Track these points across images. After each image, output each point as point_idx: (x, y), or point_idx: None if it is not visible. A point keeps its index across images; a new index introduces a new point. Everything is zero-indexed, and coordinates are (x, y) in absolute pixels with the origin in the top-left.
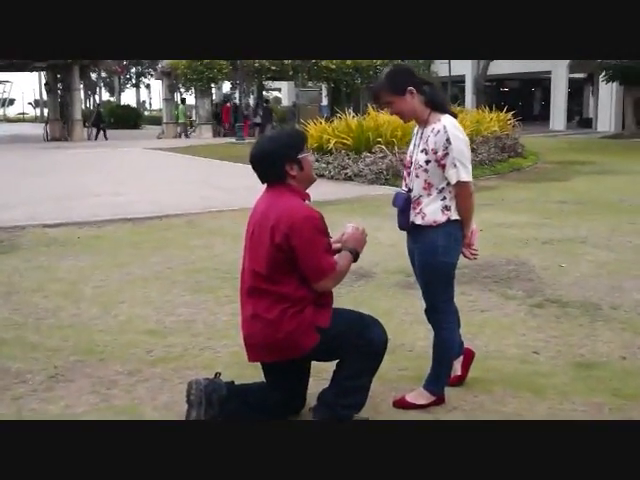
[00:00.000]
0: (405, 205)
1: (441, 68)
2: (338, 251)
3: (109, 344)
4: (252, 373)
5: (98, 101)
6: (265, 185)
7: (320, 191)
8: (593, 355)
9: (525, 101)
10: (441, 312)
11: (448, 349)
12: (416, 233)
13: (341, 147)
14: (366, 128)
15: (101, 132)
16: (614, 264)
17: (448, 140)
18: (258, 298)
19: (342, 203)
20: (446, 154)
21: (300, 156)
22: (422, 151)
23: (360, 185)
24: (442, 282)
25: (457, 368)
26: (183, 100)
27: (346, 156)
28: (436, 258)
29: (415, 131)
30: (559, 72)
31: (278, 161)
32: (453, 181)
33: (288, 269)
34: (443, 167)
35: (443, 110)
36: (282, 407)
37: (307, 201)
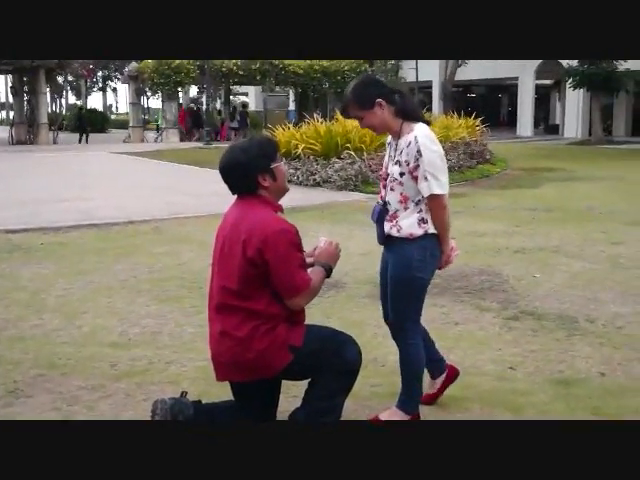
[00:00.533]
0: (380, 218)
1: (409, 74)
2: (310, 266)
3: (72, 357)
4: (219, 390)
5: (80, 104)
6: (235, 195)
7: (288, 197)
8: (572, 371)
9: (492, 107)
10: (407, 329)
11: (416, 365)
12: (391, 244)
13: (309, 152)
14: (335, 133)
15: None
16: (588, 274)
17: (419, 152)
18: (227, 315)
19: (311, 210)
20: (417, 166)
21: (273, 166)
22: (396, 163)
23: (329, 191)
24: (412, 298)
25: (437, 384)
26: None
27: (314, 162)
28: (410, 273)
29: (388, 141)
30: (526, 78)
31: (250, 172)
32: (425, 194)
33: (260, 284)
34: (416, 179)
35: (415, 119)
36: None
37: (280, 213)
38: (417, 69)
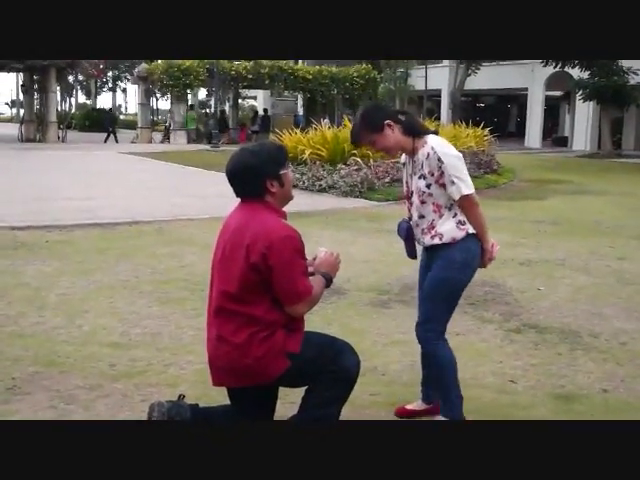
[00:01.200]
0: (408, 234)
1: (418, 82)
2: (310, 275)
3: (71, 355)
4: (217, 393)
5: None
6: (239, 199)
7: (293, 202)
8: (573, 386)
9: (501, 117)
10: (433, 330)
11: (449, 367)
12: (434, 251)
13: (316, 158)
14: (342, 139)
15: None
16: (593, 289)
17: (439, 160)
18: (225, 319)
19: (316, 215)
20: (442, 173)
21: (281, 172)
22: (420, 177)
23: (334, 197)
24: (448, 299)
25: (419, 406)
26: (192, 106)
27: (321, 167)
28: (451, 273)
29: (403, 160)
30: (535, 89)
31: (259, 176)
32: (456, 197)
33: (260, 290)
34: (444, 186)
35: (425, 132)
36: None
37: (284, 219)
38: (426, 77)
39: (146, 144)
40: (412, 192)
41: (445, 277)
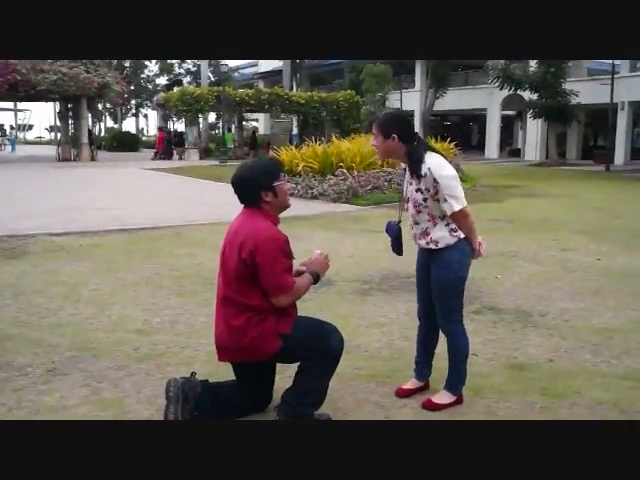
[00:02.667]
0: (398, 234)
1: (394, 104)
2: (301, 273)
3: (101, 341)
4: (225, 370)
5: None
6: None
7: (289, 208)
8: (525, 357)
9: (464, 133)
10: (455, 321)
11: (463, 350)
12: (431, 253)
13: (308, 170)
14: (330, 154)
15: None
16: (541, 276)
17: (435, 180)
18: (227, 306)
19: (309, 219)
20: (437, 191)
21: (275, 184)
22: (417, 191)
23: (324, 203)
24: (457, 294)
25: (414, 384)
26: (230, 129)
27: (312, 178)
28: (452, 273)
29: (404, 166)
30: (493, 109)
31: (254, 188)
32: (449, 213)
33: (252, 283)
34: (438, 201)
35: (423, 156)
36: (251, 402)
37: (275, 224)
38: (401, 100)
39: (164, 161)
40: (408, 199)
41: (449, 277)
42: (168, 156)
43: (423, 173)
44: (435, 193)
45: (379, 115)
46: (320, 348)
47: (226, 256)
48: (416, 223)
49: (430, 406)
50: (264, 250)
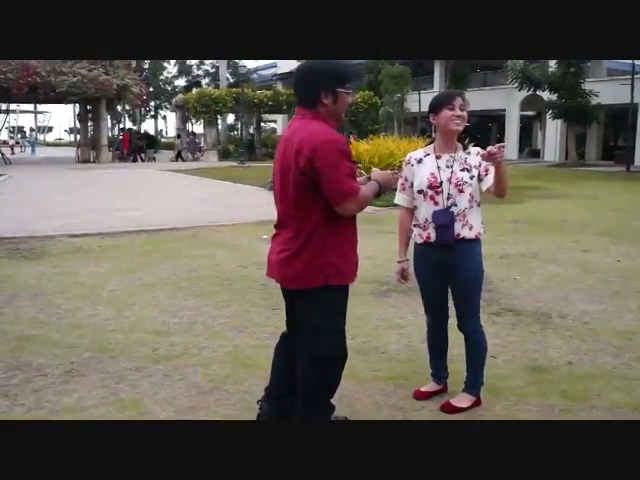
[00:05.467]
0: (451, 220)
1: (412, 105)
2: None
3: (120, 342)
4: (244, 372)
5: (142, 130)
6: (262, 202)
7: None
8: (544, 360)
9: (484, 134)
10: (478, 319)
11: (484, 352)
12: (458, 249)
13: None
14: None
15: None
16: (561, 277)
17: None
18: (284, 228)
19: None
20: (486, 169)
21: (339, 89)
22: (462, 170)
23: None
24: (479, 292)
25: (432, 387)
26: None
27: None
28: (479, 272)
29: (420, 157)
30: (512, 109)
31: (315, 86)
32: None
33: (312, 196)
34: (480, 181)
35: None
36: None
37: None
38: (420, 101)
39: (182, 162)
40: (441, 182)
41: (476, 277)
42: (133, 159)
43: (477, 151)
44: (485, 168)
45: (439, 95)
46: (326, 335)
47: (283, 168)
48: (454, 205)
49: (449, 409)
50: (323, 154)
